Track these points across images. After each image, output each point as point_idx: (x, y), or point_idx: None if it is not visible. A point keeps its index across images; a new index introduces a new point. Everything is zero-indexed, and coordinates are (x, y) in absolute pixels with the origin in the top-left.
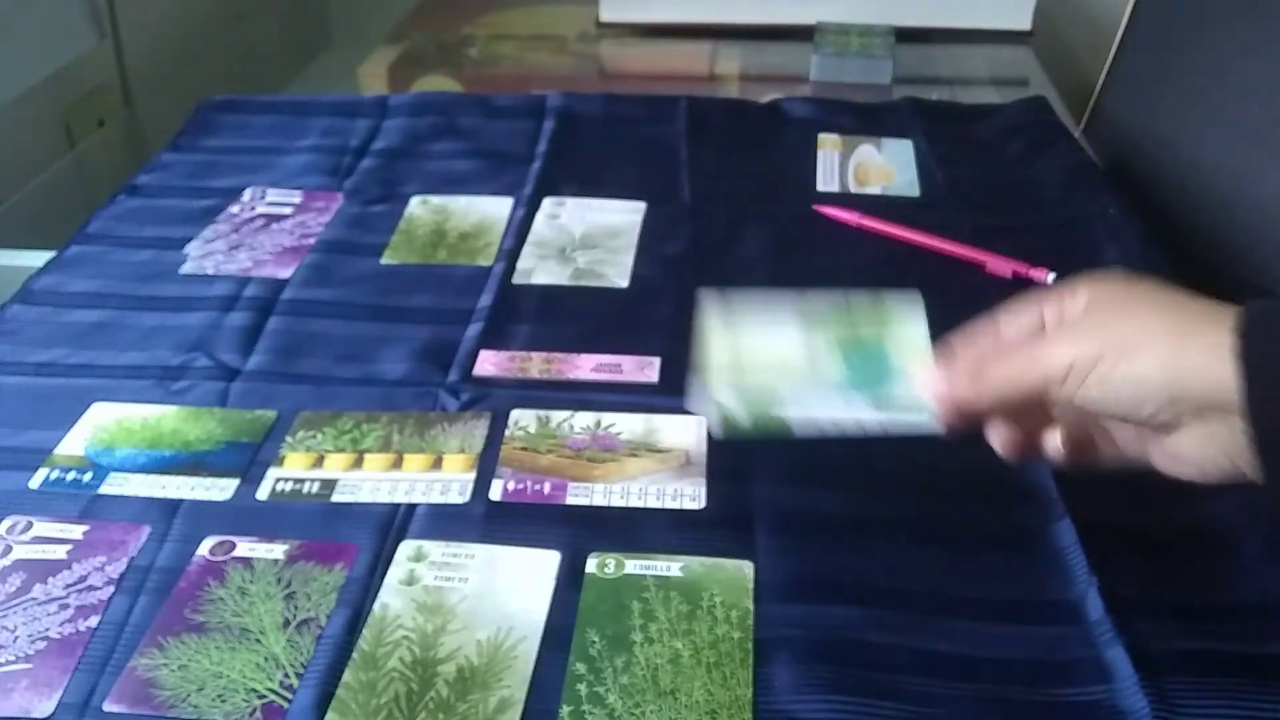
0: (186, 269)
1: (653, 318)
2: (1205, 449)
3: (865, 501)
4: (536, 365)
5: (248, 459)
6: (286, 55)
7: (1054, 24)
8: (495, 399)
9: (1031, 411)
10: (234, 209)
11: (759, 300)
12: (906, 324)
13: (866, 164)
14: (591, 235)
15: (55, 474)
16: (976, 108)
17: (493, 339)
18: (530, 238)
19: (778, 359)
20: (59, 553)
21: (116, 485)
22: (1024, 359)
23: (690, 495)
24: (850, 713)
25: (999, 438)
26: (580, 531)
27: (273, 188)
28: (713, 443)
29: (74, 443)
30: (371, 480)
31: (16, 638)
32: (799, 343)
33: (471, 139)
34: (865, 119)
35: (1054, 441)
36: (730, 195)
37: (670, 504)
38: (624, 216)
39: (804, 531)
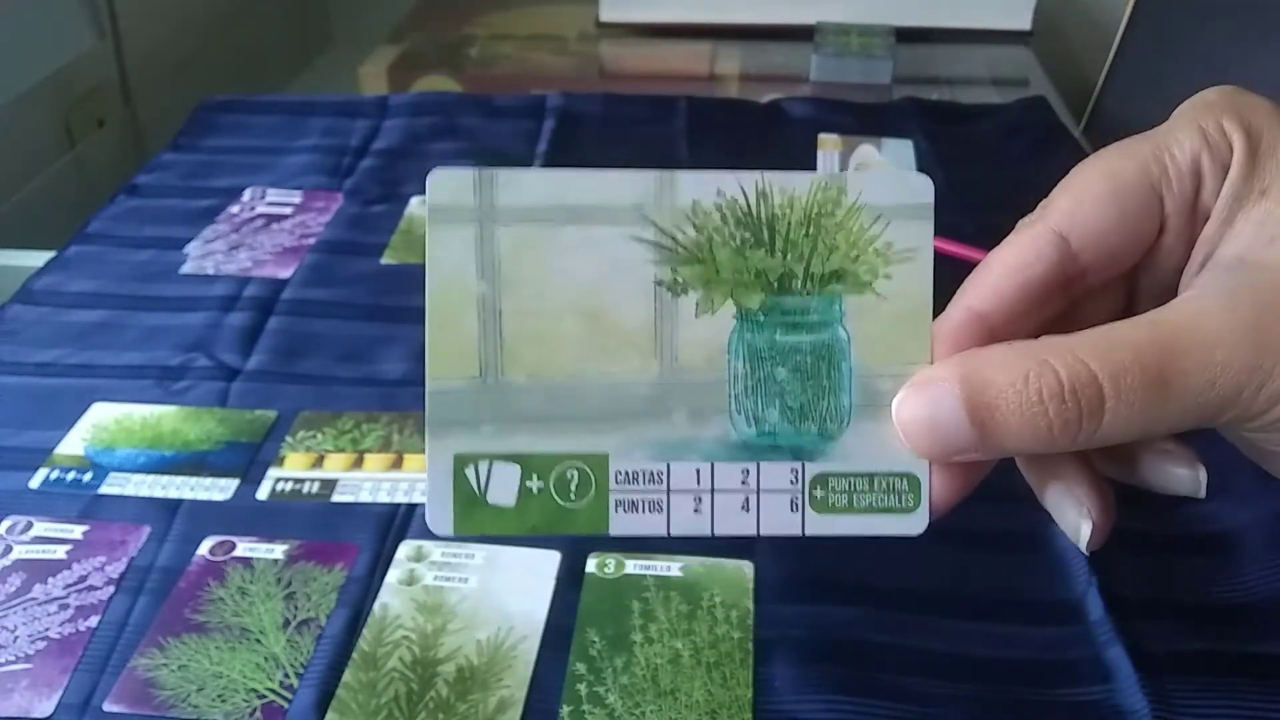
0: (186, 269)
1: None
2: None
3: None
4: None
5: (248, 459)
6: (286, 55)
7: (1054, 24)
8: None
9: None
10: (234, 209)
11: (557, 185)
12: (891, 255)
13: (866, 164)
14: None
15: (55, 474)
16: (976, 108)
17: None
18: None
19: (588, 341)
20: (59, 553)
21: (116, 485)
22: (1153, 339)
23: None
24: (850, 713)
25: (1075, 504)
26: None
27: (273, 188)
28: None
29: (74, 443)
30: (371, 480)
31: (16, 638)
32: (641, 295)
33: (471, 139)
34: (865, 119)
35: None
36: None
37: None
38: None
39: None
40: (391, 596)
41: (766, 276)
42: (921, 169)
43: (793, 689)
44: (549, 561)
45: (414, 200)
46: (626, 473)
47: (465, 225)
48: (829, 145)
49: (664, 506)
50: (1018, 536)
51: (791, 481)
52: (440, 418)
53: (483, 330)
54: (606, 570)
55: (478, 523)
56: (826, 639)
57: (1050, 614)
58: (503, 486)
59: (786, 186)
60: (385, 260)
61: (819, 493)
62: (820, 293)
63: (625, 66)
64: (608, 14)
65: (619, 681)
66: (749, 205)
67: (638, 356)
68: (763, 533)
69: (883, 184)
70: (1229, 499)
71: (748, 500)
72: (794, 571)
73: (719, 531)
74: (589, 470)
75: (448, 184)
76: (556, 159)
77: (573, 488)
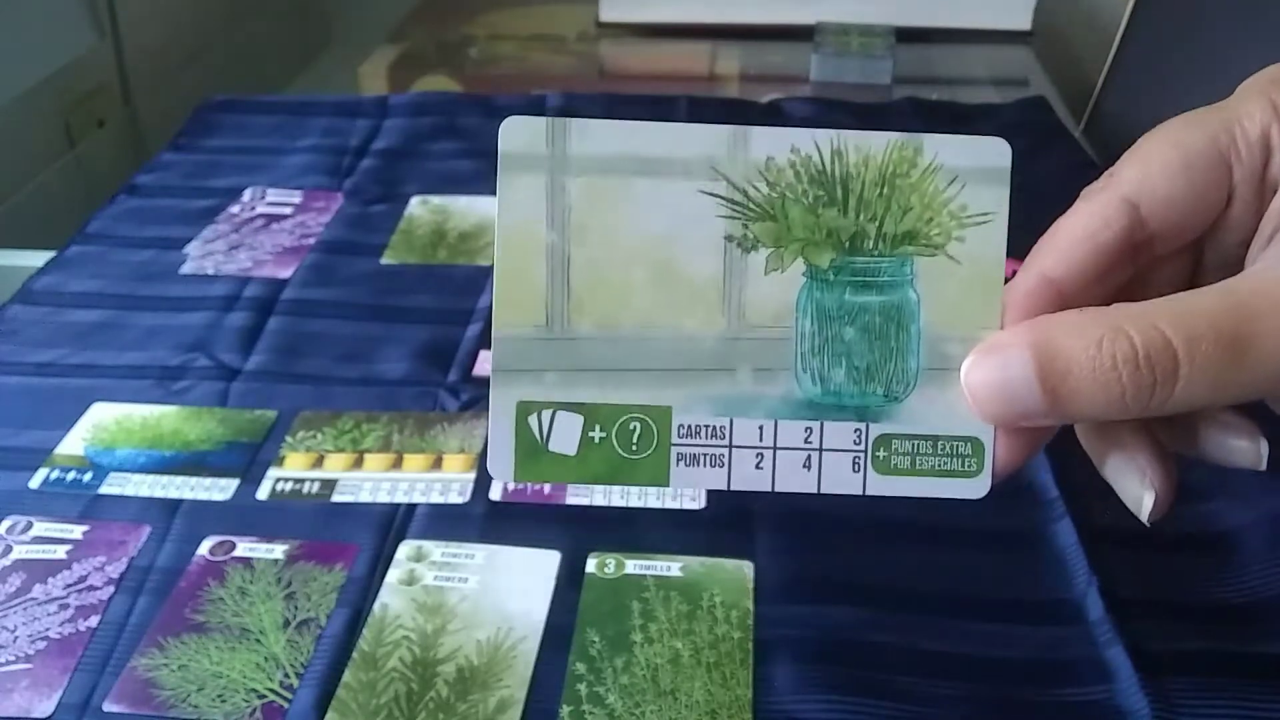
0: (186, 269)
1: None
2: None
3: (865, 502)
4: None
5: (248, 459)
6: (286, 55)
7: (1054, 24)
8: None
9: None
10: (234, 209)
11: (630, 137)
12: (965, 218)
13: None
14: None
15: (55, 474)
16: (976, 108)
17: None
18: None
19: (656, 293)
20: (59, 553)
21: (116, 485)
22: (1228, 306)
23: (690, 495)
24: (850, 713)
25: (1138, 474)
26: (580, 531)
27: (273, 188)
28: None
29: (74, 443)
30: (371, 480)
31: (16, 638)
32: (711, 250)
33: (471, 139)
34: (865, 119)
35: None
36: None
37: (670, 504)
38: None
39: (804, 531)
40: (391, 596)
41: (838, 235)
42: None
43: (793, 689)
44: (549, 561)
45: (414, 200)
46: (689, 426)
47: (536, 174)
48: None
49: (725, 461)
50: (1018, 536)
51: (855, 442)
52: (506, 365)
53: (551, 279)
54: (606, 570)
55: (539, 470)
56: (826, 639)
57: (1050, 614)
58: (565, 435)
59: (862, 145)
60: (385, 260)
61: (881, 454)
62: (892, 253)
63: (625, 66)
64: (608, 14)
65: (619, 681)
66: (823, 163)
67: (705, 311)
68: (823, 490)
69: (960, 146)
70: (1229, 499)
71: (810, 458)
72: (794, 571)
73: (779, 488)
74: (651, 422)
75: (520, 132)
76: None
77: (635, 439)
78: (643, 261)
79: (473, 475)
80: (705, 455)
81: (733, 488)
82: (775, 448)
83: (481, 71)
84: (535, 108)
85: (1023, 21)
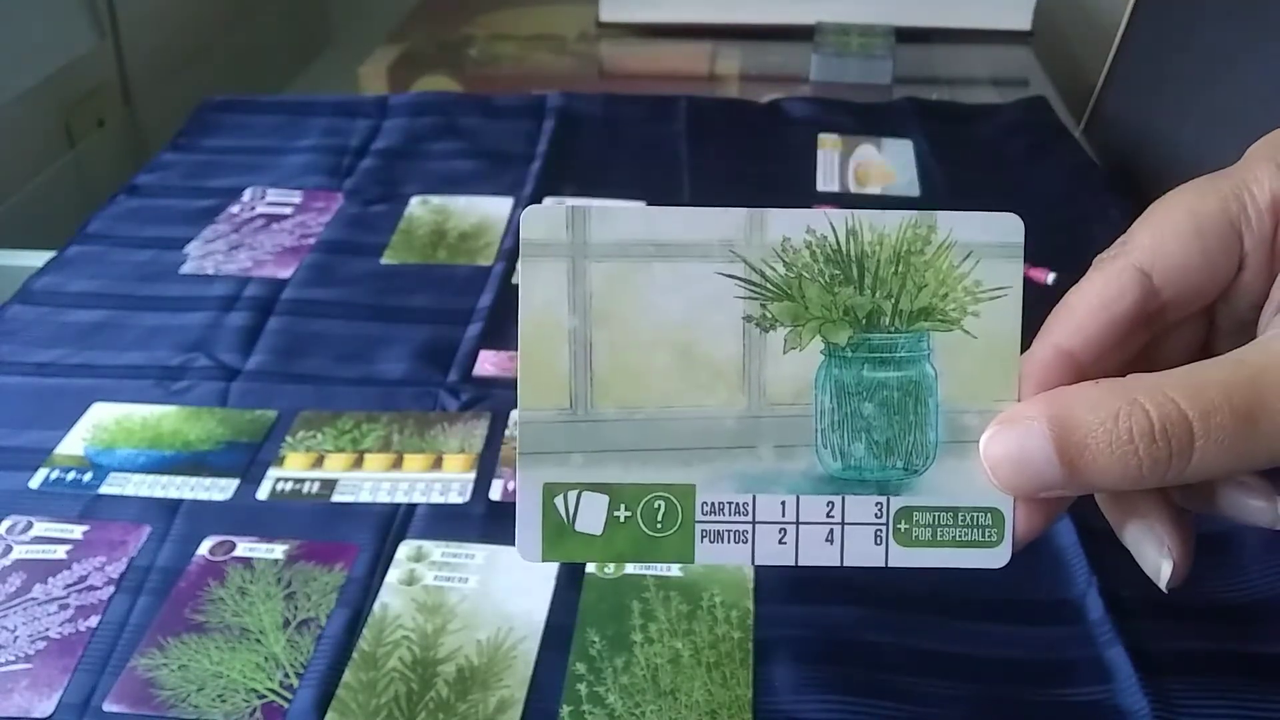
0: (186, 269)
1: None
2: None
3: None
4: None
5: (248, 459)
6: (286, 55)
7: (1054, 24)
8: (495, 399)
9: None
10: (234, 209)
11: (648, 221)
12: (979, 293)
13: (866, 164)
14: None
15: (55, 474)
16: (976, 108)
17: (493, 339)
18: None
19: (677, 374)
20: (59, 553)
21: (116, 485)
22: (1241, 378)
23: None
24: (850, 713)
25: (1156, 543)
26: None
27: (273, 188)
28: None
29: (74, 443)
30: (371, 480)
31: (16, 638)
32: (730, 330)
33: (471, 139)
34: (865, 119)
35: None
36: (730, 195)
37: None
38: None
39: None
40: (391, 596)
41: (855, 313)
42: (921, 169)
43: (793, 689)
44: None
45: (414, 200)
46: (713, 504)
47: (558, 260)
48: (829, 145)
49: (749, 537)
50: None
51: (876, 515)
52: (531, 447)
53: (574, 363)
54: (606, 570)
55: (566, 550)
56: (826, 639)
57: (1050, 614)
58: (591, 515)
59: (876, 224)
60: (385, 260)
61: (903, 526)
62: (908, 329)
63: (625, 66)
64: (608, 14)
65: (619, 681)
66: (838, 242)
67: (726, 390)
68: (846, 564)
69: (973, 223)
70: None
71: (832, 532)
72: (794, 572)
73: (803, 562)
74: (676, 501)
75: (541, 220)
76: (556, 159)
77: (659, 518)
78: (664, 343)
79: (472, 475)
80: (729, 531)
81: (757, 563)
82: (798, 523)
83: (481, 71)
84: (535, 108)
85: (1023, 21)
